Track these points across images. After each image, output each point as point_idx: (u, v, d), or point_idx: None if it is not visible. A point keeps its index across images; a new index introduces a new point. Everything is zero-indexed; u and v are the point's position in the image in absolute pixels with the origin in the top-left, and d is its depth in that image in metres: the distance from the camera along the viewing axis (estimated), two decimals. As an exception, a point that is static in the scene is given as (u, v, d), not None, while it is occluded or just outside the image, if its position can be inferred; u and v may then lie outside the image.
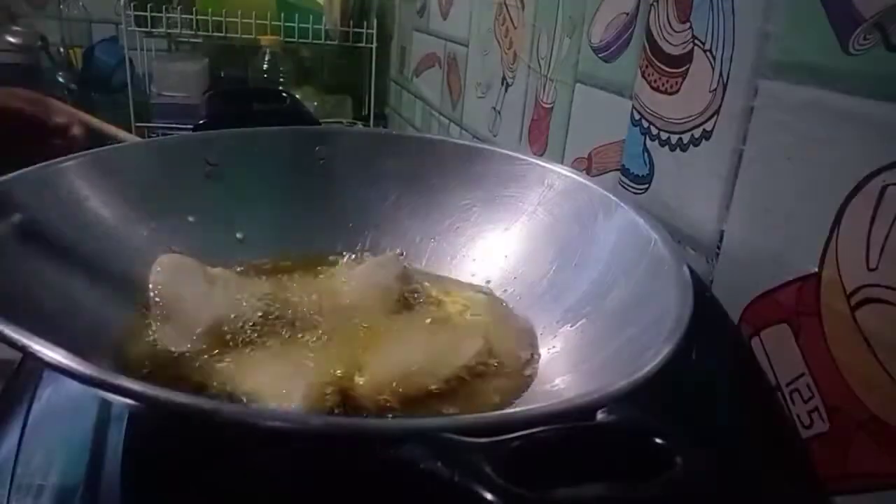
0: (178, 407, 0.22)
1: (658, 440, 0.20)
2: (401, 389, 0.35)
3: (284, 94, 0.68)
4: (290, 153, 0.55)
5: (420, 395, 0.35)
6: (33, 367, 0.41)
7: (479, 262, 0.50)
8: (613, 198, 0.43)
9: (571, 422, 0.22)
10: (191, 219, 0.49)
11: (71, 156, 0.44)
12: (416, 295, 0.47)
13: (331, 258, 0.51)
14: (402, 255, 0.52)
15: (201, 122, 0.60)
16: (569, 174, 0.48)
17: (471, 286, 0.49)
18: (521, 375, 0.38)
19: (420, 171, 0.54)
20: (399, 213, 0.54)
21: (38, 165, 0.41)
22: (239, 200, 0.51)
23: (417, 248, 0.52)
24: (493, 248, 0.50)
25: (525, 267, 0.47)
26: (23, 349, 0.23)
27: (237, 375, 0.36)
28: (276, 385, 0.35)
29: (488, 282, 0.49)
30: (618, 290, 0.38)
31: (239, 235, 0.50)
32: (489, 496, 0.18)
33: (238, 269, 0.47)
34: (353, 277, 0.47)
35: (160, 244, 0.46)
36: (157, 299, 0.41)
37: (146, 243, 0.45)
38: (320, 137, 0.56)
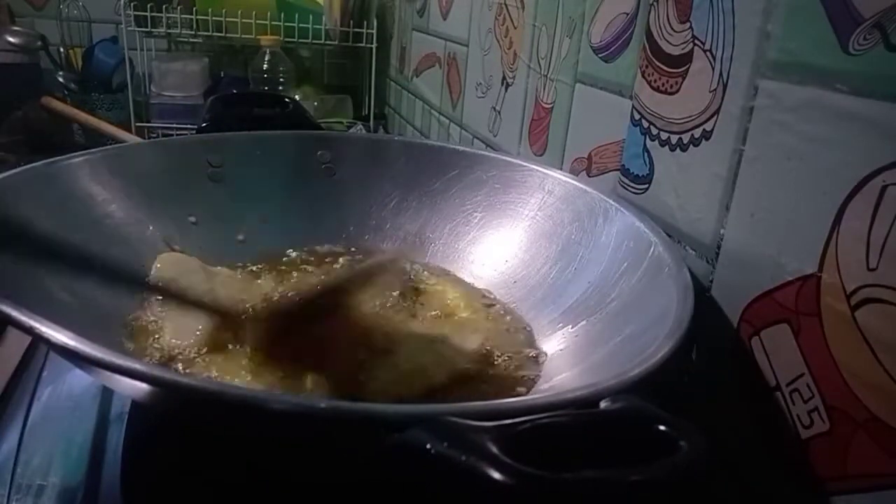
0: (185, 388, 0.22)
1: (662, 427, 0.20)
2: (402, 388, 0.36)
3: (287, 100, 0.68)
4: (293, 157, 0.55)
5: (421, 393, 0.35)
6: (33, 368, 0.41)
7: (479, 266, 0.50)
8: (613, 203, 0.43)
9: (574, 409, 0.22)
10: (192, 219, 0.49)
11: (77, 153, 0.44)
12: (415, 295, 0.47)
13: (331, 259, 0.51)
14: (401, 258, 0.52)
15: (203, 124, 0.60)
16: (568, 180, 0.48)
17: (471, 288, 0.49)
18: (523, 376, 0.38)
19: (421, 176, 0.54)
20: (399, 218, 0.54)
21: (44, 161, 0.41)
22: (240, 202, 0.51)
23: (418, 252, 0.52)
24: (494, 253, 0.50)
25: (525, 270, 0.47)
26: (30, 331, 0.24)
27: (240, 374, 0.36)
28: (282, 382, 0.35)
29: (489, 285, 0.49)
30: (618, 292, 0.38)
31: (240, 237, 0.50)
32: (497, 475, 0.18)
33: (239, 269, 0.47)
34: (353, 277, 0.47)
35: (162, 243, 0.46)
36: (157, 297, 0.41)
37: (148, 241, 0.45)
38: (322, 142, 0.56)
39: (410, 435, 0.20)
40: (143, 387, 0.24)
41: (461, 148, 0.58)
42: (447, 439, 0.19)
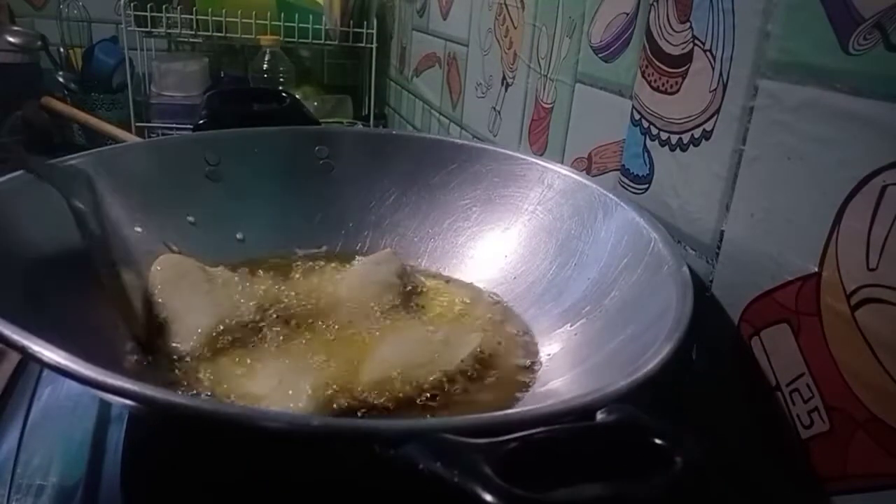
0: (177, 408, 0.22)
1: (658, 440, 0.20)
2: (399, 386, 0.35)
3: (284, 95, 0.67)
4: (291, 153, 0.55)
5: (419, 393, 0.35)
6: (33, 368, 0.41)
7: (478, 262, 0.50)
8: (613, 197, 0.43)
9: (570, 422, 0.22)
10: (191, 219, 0.49)
11: (73, 155, 0.44)
12: (414, 293, 0.47)
13: (330, 257, 0.51)
14: (399, 254, 0.52)
15: (201, 121, 0.60)
16: (568, 174, 0.48)
17: (470, 285, 0.49)
18: (521, 377, 0.38)
19: (420, 171, 0.54)
20: (399, 213, 0.54)
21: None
22: (239, 200, 0.51)
23: (416, 248, 0.52)
24: (493, 248, 0.50)
25: (525, 266, 0.47)
26: (22, 350, 0.23)
27: (240, 376, 0.36)
28: (281, 385, 0.35)
29: (488, 281, 0.48)
30: (618, 289, 0.38)
31: (239, 236, 0.50)
32: (488, 497, 0.18)
33: (238, 268, 0.47)
34: (351, 276, 0.47)
35: (161, 244, 0.46)
36: (157, 299, 0.41)
37: (146, 243, 0.45)
38: (320, 137, 0.56)
39: (403, 452, 0.20)
40: (136, 405, 0.23)
41: (460, 142, 0.58)
42: (439, 458, 0.19)
